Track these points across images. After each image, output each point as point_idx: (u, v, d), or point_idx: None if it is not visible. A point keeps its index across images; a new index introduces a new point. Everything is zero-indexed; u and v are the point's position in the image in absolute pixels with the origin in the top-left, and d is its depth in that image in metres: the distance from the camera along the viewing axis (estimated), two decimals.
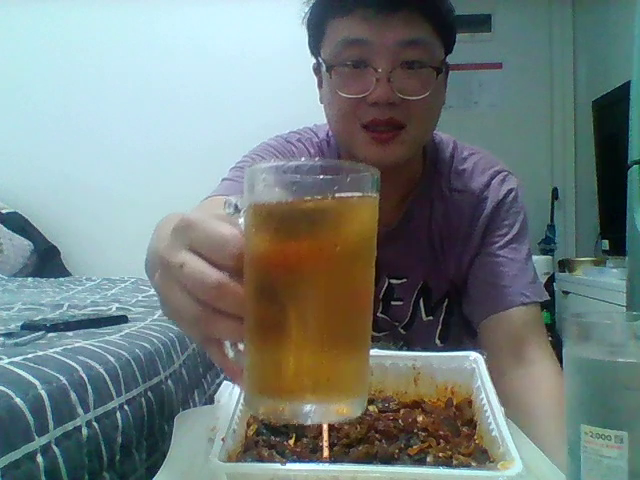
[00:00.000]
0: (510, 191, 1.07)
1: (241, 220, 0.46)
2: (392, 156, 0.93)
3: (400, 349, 1.13)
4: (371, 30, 0.88)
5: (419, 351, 1.13)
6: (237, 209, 0.46)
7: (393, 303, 1.09)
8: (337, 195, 0.42)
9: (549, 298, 1.11)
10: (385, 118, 0.91)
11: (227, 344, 0.49)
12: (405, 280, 1.08)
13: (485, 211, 1.05)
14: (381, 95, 0.89)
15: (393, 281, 1.08)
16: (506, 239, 1.05)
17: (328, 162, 0.44)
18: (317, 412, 0.43)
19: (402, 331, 1.11)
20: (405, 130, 0.92)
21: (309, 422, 0.43)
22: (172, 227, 0.51)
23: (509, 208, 1.06)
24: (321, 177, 0.42)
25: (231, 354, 0.48)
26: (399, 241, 1.05)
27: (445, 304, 1.10)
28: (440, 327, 1.10)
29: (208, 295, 0.46)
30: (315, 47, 0.99)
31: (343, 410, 0.45)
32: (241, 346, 0.48)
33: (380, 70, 0.89)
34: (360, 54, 0.90)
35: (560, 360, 0.59)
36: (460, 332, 1.12)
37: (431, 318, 1.09)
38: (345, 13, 0.90)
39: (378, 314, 1.09)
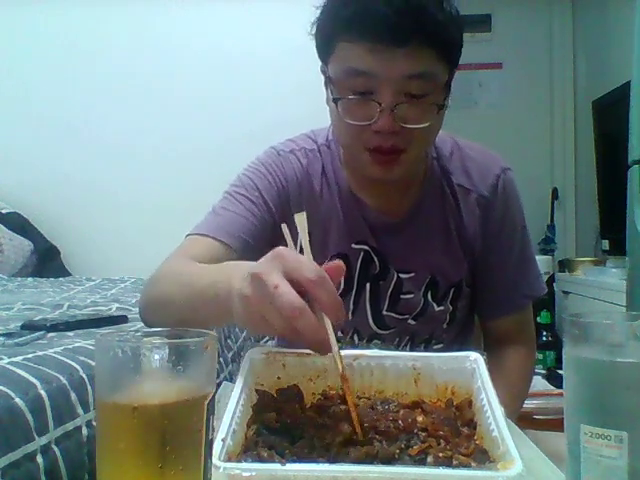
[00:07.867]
0: (514, 192, 1.14)
1: None
2: (393, 175, 1.01)
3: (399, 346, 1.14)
4: (377, 63, 0.90)
5: (420, 351, 1.15)
6: None
7: (403, 297, 1.11)
8: None
9: (546, 290, 1.23)
10: (388, 145, 0.96)
11: None
12: (413, 274, 1.11)
13: (495, 214, 1.12)
14: (384, 125, 0.93)
15: (402, 275, 1.11)
16: (516, 246, 1.14)
17: None
18: None
19: (412, 322, 1.13)
20: (405, 153, 0.98)
21: None
22: (265, 256, 0.65)
23: (515, 211, 1.14)
24: None
25: None
26: (407, 233, 1.10)
27: (452, 293, 1.13)
28: (449, 314, 1.14)
29: (292, 314, 0.60)
30: (322, 56, 1.00)
31: None
32: None
33: (383, 103, 0.92)
34: (365, 85, 0.93)
35: (559, 357, 0.59)
36: (465, 313, 1.18)
37: (442, 308, 1.13)
38: (353, 40, 0.91)
39: (384, 312, 1.11)
